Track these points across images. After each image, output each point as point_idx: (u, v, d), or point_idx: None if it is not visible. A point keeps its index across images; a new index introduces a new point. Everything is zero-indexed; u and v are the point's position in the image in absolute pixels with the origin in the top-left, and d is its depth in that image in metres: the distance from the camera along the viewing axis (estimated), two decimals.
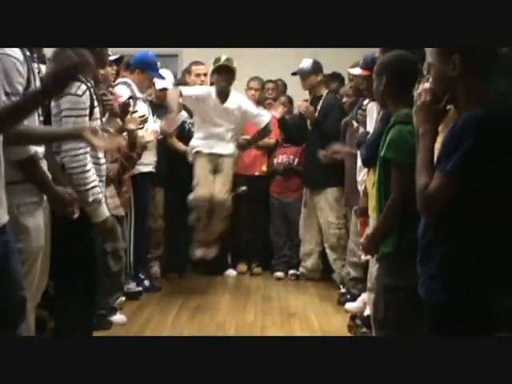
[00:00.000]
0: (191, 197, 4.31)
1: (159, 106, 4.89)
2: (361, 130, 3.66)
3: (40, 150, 2.43)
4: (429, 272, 1.77)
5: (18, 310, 2.07)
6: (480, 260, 1.68)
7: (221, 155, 4.49)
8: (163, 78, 4.55)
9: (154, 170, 4.48)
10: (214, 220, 4.37)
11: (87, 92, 2.70)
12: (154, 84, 4.77)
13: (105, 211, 2.82)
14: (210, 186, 4.34)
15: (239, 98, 4.60)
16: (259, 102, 5.29)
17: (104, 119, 3.19)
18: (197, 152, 4.52)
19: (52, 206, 2.53)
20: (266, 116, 4.61)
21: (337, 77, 5.04)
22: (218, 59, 4.46)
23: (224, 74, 4.43)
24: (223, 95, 4.48)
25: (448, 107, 1.84)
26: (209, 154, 4.48)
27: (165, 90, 4.82)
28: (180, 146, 4.76)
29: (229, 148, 4.53)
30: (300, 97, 5.30)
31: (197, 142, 4.55)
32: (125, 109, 3.73)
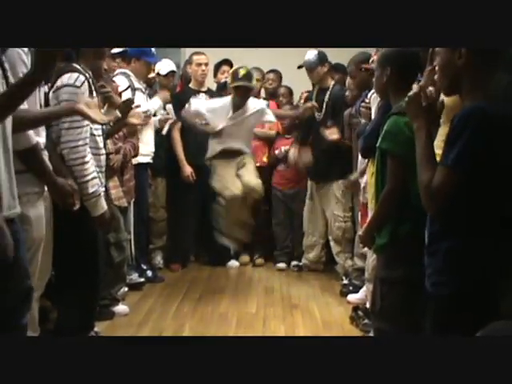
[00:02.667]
0: (227, 194, 4.34)
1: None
2: (363, 121, 3.65)
3: (41, 140, 2.43)
4: (435, 265, 1.77)
5: (24, 299, 2.08)
6: (486, 254, 1.68)
7: (240, 152, 4.50)
8: (159, 60, 4.54)
9: (151, 161, 4.47)
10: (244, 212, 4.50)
11: (85, 83, 2.70)
12: (158, 74, 4.77)
13: (103, 204, 2.82)
14: (238, 185, 4.37)
15: (254, 103, 4.55)
16: (259, 93, 5.30)
17: (103, 111, 3.19)
18: (214, 157, 4.50)
19: (53, 197, 2.53)
20: (271, 116, 4.66)
21: (340, 68, 5.01)
22: (236, 72, 4.36)
23: (242, 92, 4.36)
24: (239, 108, 4.45)
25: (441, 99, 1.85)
26: (227, 153, 4.45)
27: (172, 72, 4.80)
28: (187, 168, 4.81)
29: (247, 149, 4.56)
30: (298, 87, 5.30)
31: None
32: (127, 106, 3.72)
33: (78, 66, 2.72)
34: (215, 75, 5.25)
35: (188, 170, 4.77)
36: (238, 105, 4.41)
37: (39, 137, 2.41)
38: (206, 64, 4.90)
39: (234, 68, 4.49)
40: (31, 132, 2.29)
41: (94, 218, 2.80)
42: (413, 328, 2.21)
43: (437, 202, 1.71)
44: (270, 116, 4.62)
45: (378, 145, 2.33)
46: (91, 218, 2.82)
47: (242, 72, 4.33)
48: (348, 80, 4.29)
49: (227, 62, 5.17)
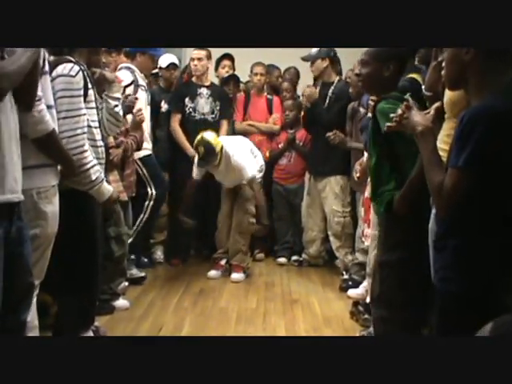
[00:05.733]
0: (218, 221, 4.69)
1: (167, 91, 4.89)
2: (369, 115, 3.63)
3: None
4: (442, 261, 1.77)
5: (25, 297, 2.08)
6: (494, 252, 1.67)
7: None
8: (163, 53, 4.54)
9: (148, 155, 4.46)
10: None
11: (80, 73, 2.70)
12: (160, 67, 4.76)
13: (108, 187, 2.87)
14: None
15: (227, 145, 4.45)
16: (263, 88, 5.29)
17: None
18: None
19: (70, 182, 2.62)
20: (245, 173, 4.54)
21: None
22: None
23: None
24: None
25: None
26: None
27: (172, 65, 4.78)
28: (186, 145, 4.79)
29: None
30: (302, 82, 5.29)
31: None
32: (130, 108, 3.74)
33: (71, 59, 2.72)
34: (216, 69, 5.24)
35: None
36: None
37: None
38: (199, 59, 4.83)
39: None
40: (48, 118, 2.30)
41: (102, 203, 2.86)
42: (412, 314, 2.23)
43: (450, 204, 1.69)
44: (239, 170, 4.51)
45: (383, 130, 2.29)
46: (90, 212, 2.83)
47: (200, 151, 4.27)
48: (352, 76, 4.27)
49: (228, 57, 5.16)
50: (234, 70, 5.20)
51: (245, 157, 4.50)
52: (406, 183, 2.30)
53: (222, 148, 4.34)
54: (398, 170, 2.32)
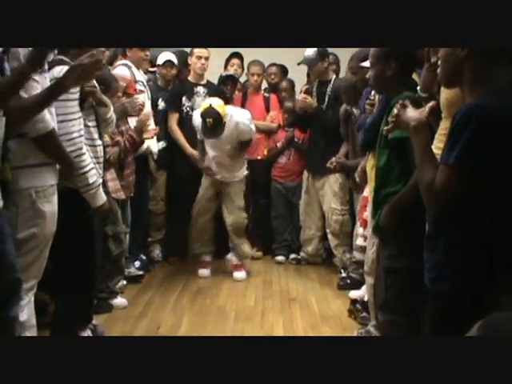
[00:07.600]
0: (193, 212, 4.64)
1: (164, 90, 4.89)
2: (365, 115, 3.63)
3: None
4: (434, 260, 1.77)
5: (12, 292, 2.08)
6: (483, 250, 1.67)
7: (222, 182, 4.60)
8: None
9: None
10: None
11: None
12: (157, 65, 4.76)
13: (102, 194, 2.85)
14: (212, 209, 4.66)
15: (232, 114, 4.38)
16: (260, 86, 5.29)
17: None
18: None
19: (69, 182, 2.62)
20: (252, 132, 4.55)
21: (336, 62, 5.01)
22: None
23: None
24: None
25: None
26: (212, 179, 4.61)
27: (169, 62, 4.77)
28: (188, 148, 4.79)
29: (233, 173, 4.59)
30: (301, 81, 5.28)
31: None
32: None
33: (67, 60, 2.71)
34: (225, 67, 5.24)
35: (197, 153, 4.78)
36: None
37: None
38: (207, 58, 4.83)
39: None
40: (48, 117, 2.30)
41: (95, 208, 2.83)
42: (419, 316, 2.22)
43: (440, 202, 1.69)
44: (245, 133, 4.47)
45: (391, 137, 2.29)
46: (88, 210, 2.83)
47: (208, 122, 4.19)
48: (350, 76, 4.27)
49: (237, 55, 5.17)
50: (243, 68, 5.22)
51: (248, 121, 4.47)
52: (395, 197, 2.31)
53: (227, 117, 4.28)
54: (408, 172, 2.31)
